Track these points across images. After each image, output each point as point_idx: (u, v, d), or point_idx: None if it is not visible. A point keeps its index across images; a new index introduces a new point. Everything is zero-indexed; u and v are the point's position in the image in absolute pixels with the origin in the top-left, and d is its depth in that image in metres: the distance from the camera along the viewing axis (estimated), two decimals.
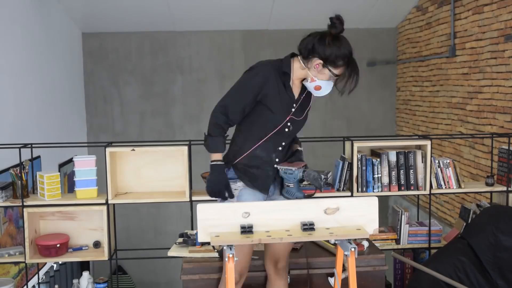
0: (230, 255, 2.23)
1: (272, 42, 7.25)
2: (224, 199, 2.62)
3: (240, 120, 2.63)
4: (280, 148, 2.65)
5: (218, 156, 2.60)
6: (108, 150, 3.52)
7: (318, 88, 2.59)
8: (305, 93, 2.68)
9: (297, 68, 2.60)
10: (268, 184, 2.66)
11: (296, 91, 2.65)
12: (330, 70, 2.54)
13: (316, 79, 2.57)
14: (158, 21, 7.10)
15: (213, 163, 2.59)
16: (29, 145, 3.62)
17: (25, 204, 3.50)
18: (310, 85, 2.60)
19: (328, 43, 2.53)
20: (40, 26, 5.66)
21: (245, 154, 2.63)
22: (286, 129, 2.63)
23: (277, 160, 2.65)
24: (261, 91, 2.55)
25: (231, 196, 2.60)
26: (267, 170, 2.64)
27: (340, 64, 2.54)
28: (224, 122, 2.59)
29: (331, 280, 2.77)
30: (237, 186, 2.68)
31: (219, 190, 2.60)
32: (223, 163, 2.61)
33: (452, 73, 5.88)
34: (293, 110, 2.63)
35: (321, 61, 2.53)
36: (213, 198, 2.69)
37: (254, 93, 2.55)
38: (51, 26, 6.05)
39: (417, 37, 6.86)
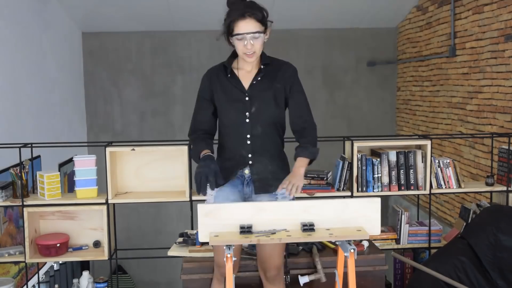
0: (228, 255, 2.23)
1: (272, 42, 7.24)
2: (204, 187, 2.41)
3: (212, 127, 2.68)
4: (248, 142, 2.56)
5: (204, 153, 2.53)
6: (108, 150, 3.52)
7: (250, 56, 2.49)
8: (261, 77, 2.57)
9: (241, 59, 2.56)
10: (230, 173, 2.57)
11: (247, 79, 2.58)
12: (234, 36, 2.45)
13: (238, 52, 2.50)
14: (158, 21, 7.10)
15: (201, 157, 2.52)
16: (29, 145, 3.62)
17: (25, 203, 3.50)
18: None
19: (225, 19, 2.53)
20: (40, 25, 5.66)
21: (219, 158, 2.64)
22: (247, 120, 2.55)
23: (249, 155, 2.57)
24: (211, 93, 2.62)
25: (212, 186, 2.42)
26: (238, 165, 2.58)
27: (232, 24, 2.45)
28: (195, 132, 2.65)
29: (301, 279, 2.83)
30: (211, 192, 2.61)
31: (202, 175, 2.41)
32: (210, 154, 2.52)
33: (452, 73, 5.88)
34: (246, 98, 2.55)
35: (228, 36, 2.50)
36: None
37: (205, 98, 2.64)
38: (51, 26, 6.05)
39: (417, 37, 6.85)
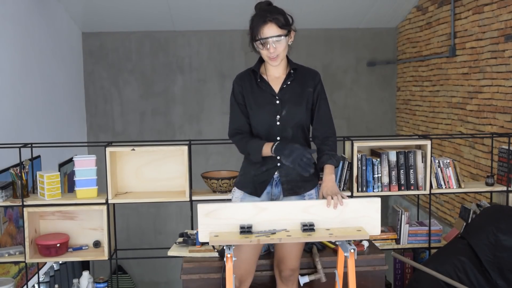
0: (229, 255, 2.23)
1: None
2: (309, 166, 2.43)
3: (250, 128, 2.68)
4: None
5: (267, 148, 2.52)
6: (108, 149, 3.52)
7: (273, 59, 2.54)
8: (291, 81, 2.62)
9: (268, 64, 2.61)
10: (261, 185, 2.61)
11: (277, 84, 2.63)
12: (258, 40, 2.50)
13: (264, 57, 2.55)
14: (158, 21, 7.10)
15: (273, 150, 2.50)
16: (29, 145, 3.62)
17: (25, 203, 3.50)
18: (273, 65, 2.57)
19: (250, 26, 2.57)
20: (40, 25, 5.66)
21: (247, 164, 2.66)
22: (277, 122, 2.59)
23: (278, 157, 2.57)
24: (243, 98, 2.63)
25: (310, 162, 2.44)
26: (266, 169, 2.60)
27: (255, 29, 2.49)
28: (237, 133, 2.65)
29: (301, 279, 2.80)
30: (236, 196, 2.69)
31: (299, 156, 2.43)
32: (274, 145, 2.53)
33: (452, 73, 5.88)
34: (277, 102, 2.59)
35: (253, 42, 2.55)
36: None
37: (239, 103, 2.65)
38: (51, 26, 6.05)
39: (417, 37, 6.86)
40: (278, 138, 2.59)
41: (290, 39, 2.56)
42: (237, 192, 2.69)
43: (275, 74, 2.64)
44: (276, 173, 2.61)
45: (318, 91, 2.65)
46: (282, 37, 2.49)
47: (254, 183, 2.63)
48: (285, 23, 2.51)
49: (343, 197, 2.42)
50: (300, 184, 2.62)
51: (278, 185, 2.63)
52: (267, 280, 2.93)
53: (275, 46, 2.49)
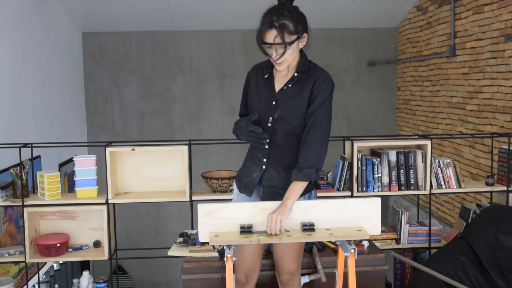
0: (229, 255, 2.23)
1: None
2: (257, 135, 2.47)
3: None
4: (266, 147, 2.50)
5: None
6: (108, 149, 3.52)
7: (278, 64, 2.42)
8: (292, 84, 2.48)
9: None
10: (251, 185, 2.56)
11: (280, 83, 2.51)
12: (263, 43, 2.38)
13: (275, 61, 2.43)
14: (158, 21, 7.10)
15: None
16: (29, 145, 3.62)
17: (25, 203, 3.50)
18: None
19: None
20: (40, 25, 5.66)
21: (243, 167, 2.65)
22: (269, 124, 2.48)
23: (264, 160, 2.51)
24: (248, 91, 2.61)
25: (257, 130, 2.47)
26: (253, 170, 2.56)
27: (263, 32, 2.37)
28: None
29: (301, 279, 2.80)
30: (235, 190, 2.68)
31: (243, 131, 2.51)
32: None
33: (452, 73, 5.88)
34: (273, 102, 2.49)
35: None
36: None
37: (245, 93, 2.64)
38: (51, 26, 6.05)
39: (417, 37, 6.86)
40: (267, 140, 2.49)
41: (301, 42, 2.41)
42: (235, 187, 2.69)
43: (284, 73, 2.51)
44: (261, 176, 2.54)
45: (315, 92, 2.43)
46: (286, 45, 2.33)
47: (245, 185, 2.60)
48: (294, 30, 2.34)
49: (279, 227, 2.27)
50: (281, 191, 2.45)
51: (260, 189, 2.59)
52: (268, 280, 2.93)
53: (279, 51, 2.35)
